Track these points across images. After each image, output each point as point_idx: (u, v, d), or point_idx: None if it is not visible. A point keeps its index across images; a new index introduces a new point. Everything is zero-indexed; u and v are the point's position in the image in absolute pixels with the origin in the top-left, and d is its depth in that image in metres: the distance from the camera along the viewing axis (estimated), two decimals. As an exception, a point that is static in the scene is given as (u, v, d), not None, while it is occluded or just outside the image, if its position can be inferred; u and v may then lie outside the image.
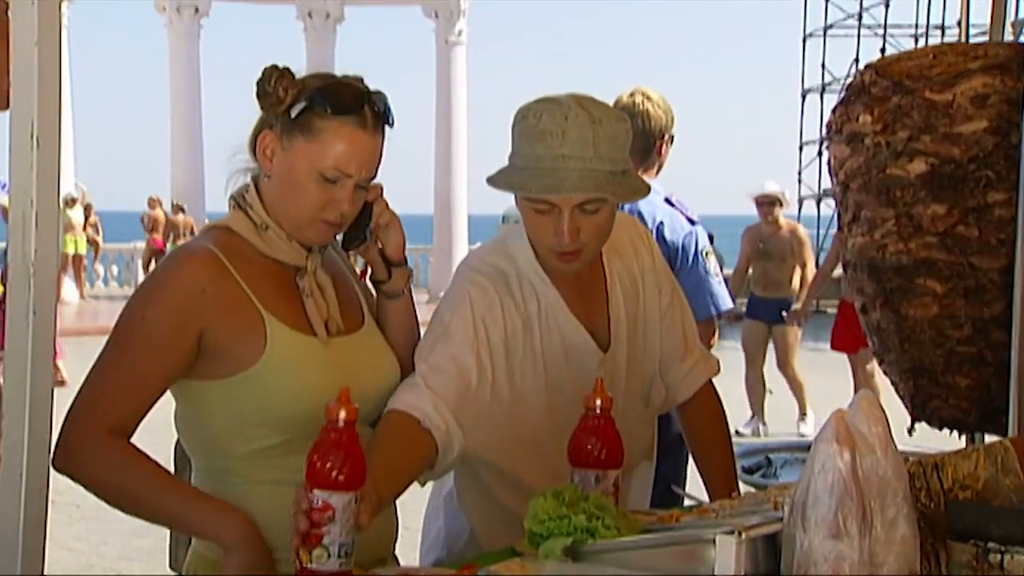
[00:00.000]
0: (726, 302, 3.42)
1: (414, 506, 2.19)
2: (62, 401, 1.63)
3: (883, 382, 2.88)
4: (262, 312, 1.78)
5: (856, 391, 6.84)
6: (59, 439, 1.68)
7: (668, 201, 3.36)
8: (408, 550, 2.09)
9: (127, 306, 1.78)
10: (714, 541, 1.42)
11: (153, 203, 17.68)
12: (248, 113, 1.83)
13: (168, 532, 2.02)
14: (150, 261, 16.96)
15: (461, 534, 2.19)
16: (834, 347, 8.03)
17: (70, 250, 16.38)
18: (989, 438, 2.53)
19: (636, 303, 2.15)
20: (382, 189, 1.89)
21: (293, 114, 1.77)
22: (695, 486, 2.29)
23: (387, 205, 1.91)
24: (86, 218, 17.50)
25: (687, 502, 2.08)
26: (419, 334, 2.03)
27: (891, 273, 2.59)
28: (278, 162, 1.80)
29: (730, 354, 7.14)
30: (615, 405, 1.85)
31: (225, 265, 1.78)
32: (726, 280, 3.57)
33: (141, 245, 18.02)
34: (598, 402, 1.81)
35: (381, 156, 1.83)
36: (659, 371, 2.20)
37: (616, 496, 1.79)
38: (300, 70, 1.81)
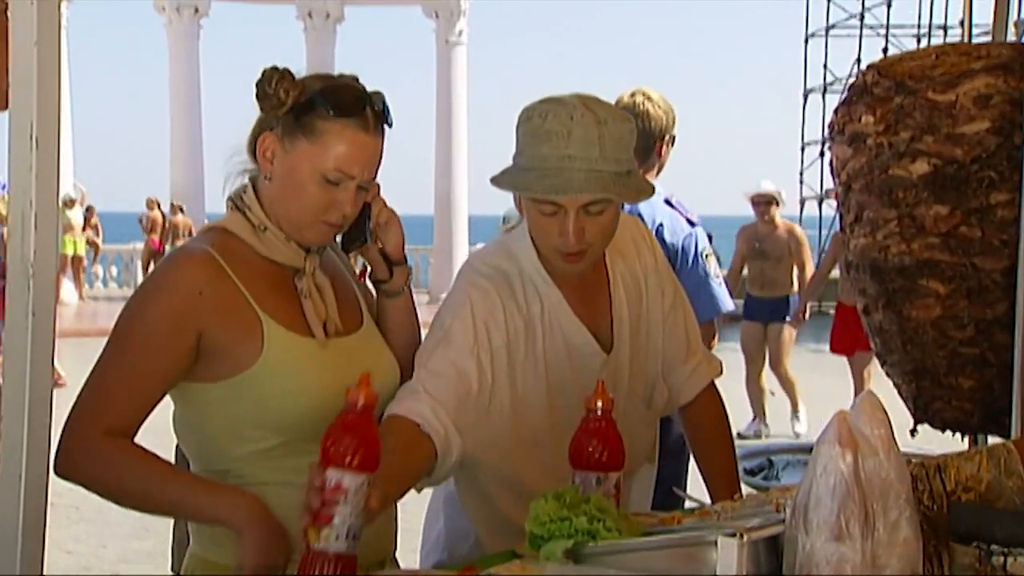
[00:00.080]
0: (727, 304, 3.40)
1: (414, 507, 2.18)
2: (62, 403, 1.63)
3: (884, 383, 2.87)
4: (259, 314, 1.77)
5: (856, 393, 6.85)
6: (60, 444, 1.67)
7: (668, 202, 3.35)
8: (408, 552, 2.09)
9: (126, 308, 1.77)
10: (716, 543, 1.42)
11: (151, 204, 17.69)
12: (248, 113, 1.82)
13: (170, 535, 2.01)
14: (149, 262, 16.97)
15: (461, 536, 2.18)
16: (833, 350, 8.04)
17: (69, 251, 16.38)
18: (992, 440, 2.53)
19: (639, 304, 2.14)
20: (379, 188, 1.88)
21: (295, 116, 1.76)
22: (697, 488, 2.28)
23: (385, 204, 1.90)
24: (88, 220, 17.51)
25: (689, 504, 2.07)
26: (420, 333, 2.03)
27: (893, 274, 2.58)
28: (279, 164, 1.79)
29: (730, 355, 7.12)
30: (617, 407, 1.84)
31: (222, 267, 1.77)
32: (726, 281, 3.56)
33: (140, 246, 18.02)
34: (599, 404, 1.80)
35: (381, 157, 1.82)
36: (662, 373, 2.19)
37: (617, 498, 1.78)
38: (300, 70, 1.81)
